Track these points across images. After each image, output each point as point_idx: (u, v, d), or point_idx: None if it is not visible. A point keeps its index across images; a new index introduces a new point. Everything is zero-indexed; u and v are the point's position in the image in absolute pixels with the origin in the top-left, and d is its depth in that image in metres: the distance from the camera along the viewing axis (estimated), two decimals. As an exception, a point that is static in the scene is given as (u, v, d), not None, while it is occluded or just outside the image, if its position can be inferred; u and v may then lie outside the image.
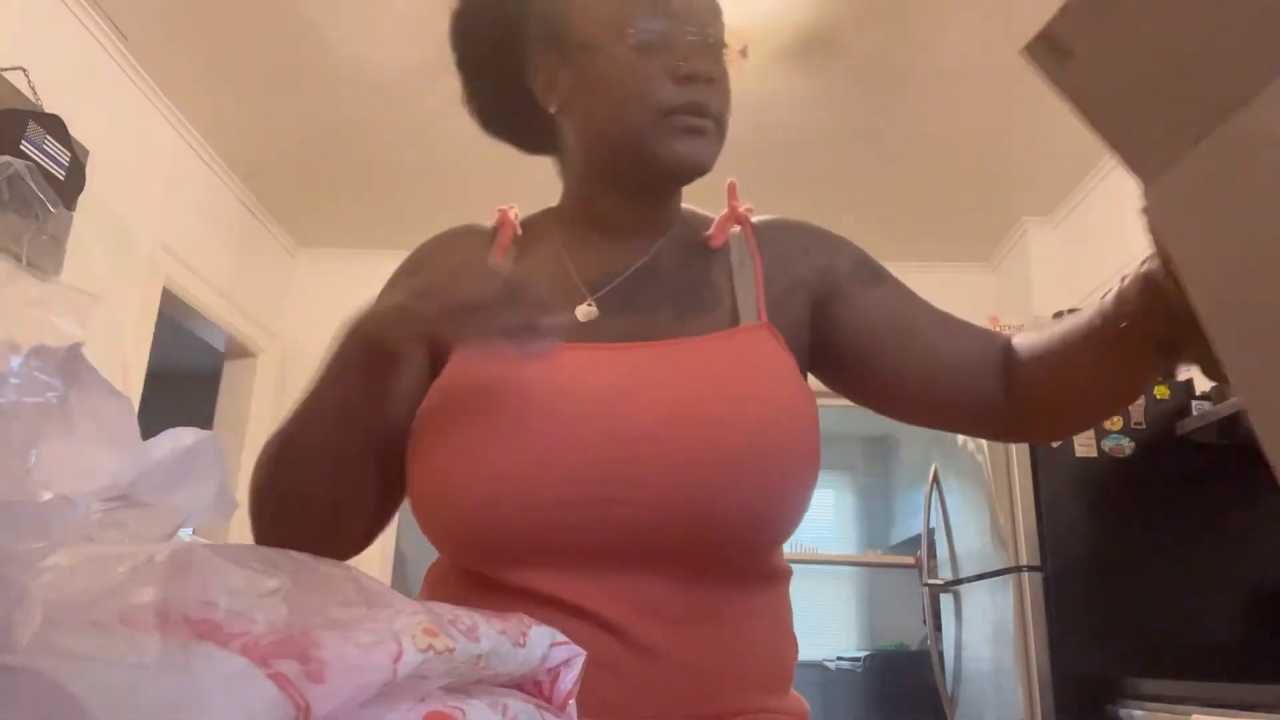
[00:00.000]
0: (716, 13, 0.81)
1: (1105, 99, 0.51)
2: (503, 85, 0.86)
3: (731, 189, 0.89)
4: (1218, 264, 0.48)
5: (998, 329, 3.84)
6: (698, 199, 0.89)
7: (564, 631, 0.44)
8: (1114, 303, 0.67)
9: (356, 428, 0.73)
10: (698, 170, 0.78)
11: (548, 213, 0.90)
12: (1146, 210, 0.51)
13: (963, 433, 0.87)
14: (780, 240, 0.86)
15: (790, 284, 0.83)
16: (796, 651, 0.80)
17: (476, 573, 0.72)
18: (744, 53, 0.80)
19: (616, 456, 0.68)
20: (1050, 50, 0.50)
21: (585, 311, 0.80)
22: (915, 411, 0.86)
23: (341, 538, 0.76)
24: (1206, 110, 0.46)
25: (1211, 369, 0.62)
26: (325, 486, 0.73)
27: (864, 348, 0.83)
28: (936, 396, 0.83)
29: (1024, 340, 0.80)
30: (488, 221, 0.90)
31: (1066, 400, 0.79)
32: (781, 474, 0.70)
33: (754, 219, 0.88)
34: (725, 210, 0.87)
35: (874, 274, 0.85)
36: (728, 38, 0.81)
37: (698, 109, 0.76)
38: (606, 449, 0.68)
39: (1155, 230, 0.54)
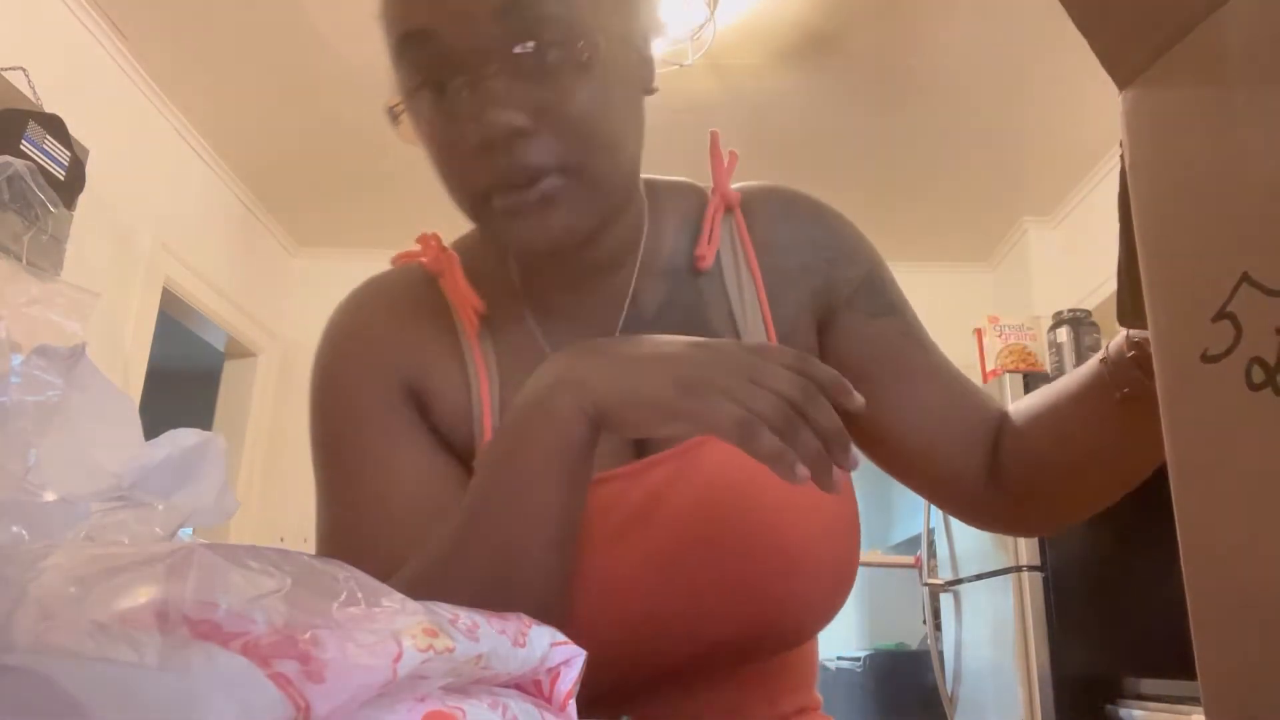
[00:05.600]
0: (505, 12, 0.57)
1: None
2: None
3: (718, 175, 0.74)
4: (1173, 189, 0.41)
5: (998, 328, 3.76)
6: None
7: None
8: (1110, 356, 0.61)
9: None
10: (549, 251, 0.60)
11: (486, 246, 0.73)
12: (1122, 120, 0.47)
13: (939, 505, 0.77)
14: (778, 244, 0.73)
15: (795, 310, 0.72)
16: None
17: None
18: (591, 53, 0.58)
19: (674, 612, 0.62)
20: None
21: None
22: (886, 464, 0.75)
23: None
24: (1181, 12, 0.41)
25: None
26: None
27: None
28: (909, 457, 0.72)
29: (1019, 405, 0.71)
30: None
31: (1061, 466, 0.67)
32: (834, 583, 0.65)
33: (744, 197, 0.74)
34: (710, 204, 0.73)
35: (877, 303, 0.73)
36: (568, 29, 0.57)
37: (510, 182, 0.58)
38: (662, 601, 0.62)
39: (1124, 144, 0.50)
